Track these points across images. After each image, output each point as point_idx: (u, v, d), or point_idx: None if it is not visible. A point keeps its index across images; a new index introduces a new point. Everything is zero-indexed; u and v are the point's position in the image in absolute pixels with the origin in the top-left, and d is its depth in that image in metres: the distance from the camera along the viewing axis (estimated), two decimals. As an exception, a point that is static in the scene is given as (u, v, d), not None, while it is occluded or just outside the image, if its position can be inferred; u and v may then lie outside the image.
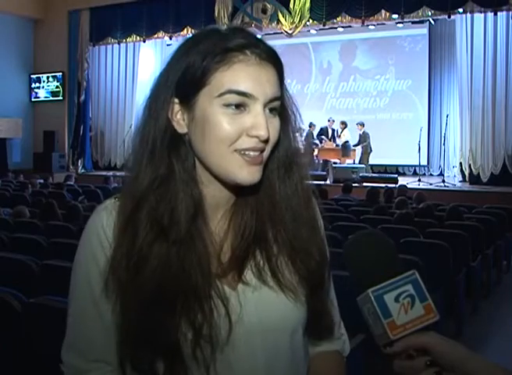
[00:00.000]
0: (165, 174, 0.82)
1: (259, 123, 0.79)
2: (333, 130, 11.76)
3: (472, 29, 10.15)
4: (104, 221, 0.84)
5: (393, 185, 8.42)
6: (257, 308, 0.83)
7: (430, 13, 10.19)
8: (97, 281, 0.83)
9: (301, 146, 0.91)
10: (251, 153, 0.80)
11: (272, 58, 0.82)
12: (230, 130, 0.79)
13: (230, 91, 0.78)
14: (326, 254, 0.92)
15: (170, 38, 12.19)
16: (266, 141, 0.80)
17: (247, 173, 0.80)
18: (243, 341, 0.81)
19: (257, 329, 0.82)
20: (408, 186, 8.78)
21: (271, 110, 0.82)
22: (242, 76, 0.79)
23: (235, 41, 0.80)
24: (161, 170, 0.82)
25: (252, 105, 0.79)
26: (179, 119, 0.82)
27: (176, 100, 0.82)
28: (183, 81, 0.81)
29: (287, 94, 0.88)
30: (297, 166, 0.89)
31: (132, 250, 0.80)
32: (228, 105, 0.79)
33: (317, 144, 11.29)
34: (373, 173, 11.15)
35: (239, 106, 0.79)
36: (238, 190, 0.86)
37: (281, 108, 0.85)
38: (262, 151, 0.81)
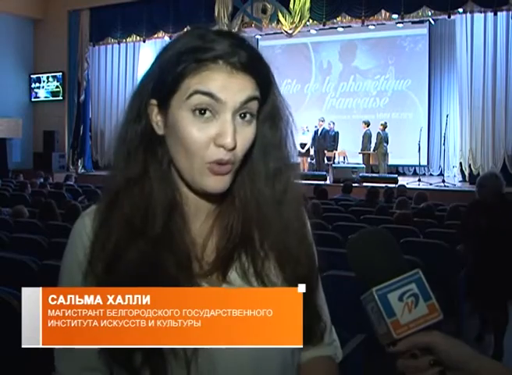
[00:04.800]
0: (141, 173, 0.83)
1: (225, 132, 0.77)
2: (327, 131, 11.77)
3: (472, 29, 10.15)
4: (87, 224, 0.86)
5: (393, 185, 8.43)
6: None
7: (430, 13, 10.21)
8: (79, 284, 0.82)
9: (293, 150, 0.90)
10: (219, 165, 0.79)
11: (250, 67, 0.80)
12: (198, 139, 0.78)
13: (197, 92, 0.77)
14: (315, 259, 0.91)
15: (170, 38, 12.17)
16: (233, 149, 0.78)
17: (212, 182, 0.80)
18: None
19: None
20: (408, 186, 8.79)
21: (244, 115, 0.80)
22: (210, 79, 0.78)
23: (210, 52, 0.78)
24: (137, 170, 0.83)
25: (221, 112, 0.78)
26: (158, 121, 0.83)
27: (155, 101, 0.83)
28: (158, 85, 0.82)
29: (278, 97, 0.87)
30: (287, 171, 0.88)
31: (107, 248, 0.81)
32: (195, 111, 0.78)
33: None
34: (373, 172, 11.15)
35: (205, 112, 0.78)
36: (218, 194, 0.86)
37: (268, 111, 0.85)
38: (231, 163, 0.80)
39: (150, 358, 0.78)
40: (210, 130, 0.78)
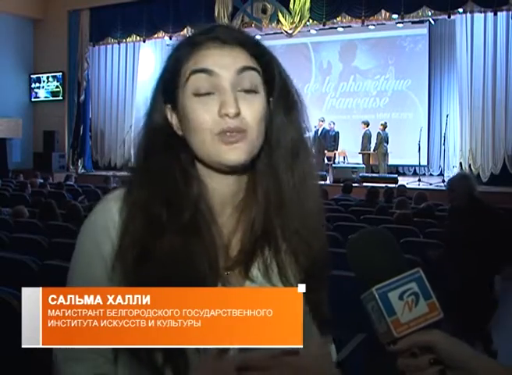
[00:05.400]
0: (165, 172, 0.84)
1: (225, 100, 0.80)
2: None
3: (472, 29, 10.16)
4: (113, 209, 0.85)
5: (393, 185, 8.43)
6: None
7: (430, 13, 10.22)
8: (99, 270, 0.83)
9: (308, 137, 0.91)
10: (228, 133, 0.80)
11: (241, 41, 0.84)
12: (203, 114, 0.81)
13: (193, 72, 0.81)
14: (327, 250, 0.92)
15: (170, 38, 12.18)
16: (238, 115, 0.80)
17: (229, 153, 0.81)
18: None
19: None
20: (408, 186, 8.79)
21: (246, 89, 0.82)
22: (203, 57, 0.82)
23: (202, 35, 0.84)
24: (161, 168, 0.84)
25: (219, 86, 0.81)
26: (176, 123, 0.86)
27: (169, 106, 0.86)
28: (165, 87, 0.86)
29: (285, 78, 0.88)
30: (304, 155, 0.89)
31: (138, 242, 0.81)
32: (198, 95, 0.81)
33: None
34: (373, 172, 11.16)
35: (208, 94, 0.81)
36: (243, 183, 0.88)
37: (278, 92, 0.86)
38: (242, 131, 0.81)
39: (172, 356, 0.78)
40: (213, 104, 0.81)
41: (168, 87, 0.85)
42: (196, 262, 0.81)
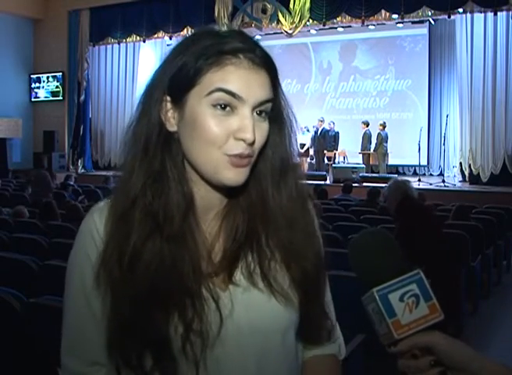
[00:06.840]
0: (159, 171, 0.82)
1: (246, 126, 0.78)
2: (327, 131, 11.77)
3: (472, 29, 10.15)
4: (97, 220, 0.85)
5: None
6: (246, 310, 0.83)
7: (430, 13, 10.21)
8: (90, 281, 0.83)
9: (296, 150, 0.91)
10: (240, 158, 0.80)
11: (266, 64, 0.82)
12: (218, 132, 0.79)
13: (219, 89, 0.78)
14: (322, 257, 0.91)
15: (170, 38, 12.18)
16: (252, 144, 0.80)
17: (232, 175, 0.80)
18: (233, 338, 0.81)
19: (246, 329, 0.82)
20: (408, 186, 8.77)
21: (260, 113, 0.82)
22: (232, 76, 0.79)
23: (229, 44, 0.80)
24: (155, 167, 0.82)
25: (240, 107, 0.79)
26: (169, 117, 0.83)
27: (168, 98, 0.83)
28: (175, 80, 0.81)
29: (283, 99, 0.87)
30: (292, 171, 0.89)
31: (125, 246, 0.80)
32: (215, 106, 0.79)
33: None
34: (373, 172, 11.15)
35: (226, 107, 0.79)
36: (227, 191, 0.86)
37: (275, 112, 0.85)
38: (251, 156, 0.81)
39: (160, 360, 0.79)
40: (230, 123, 0.79)
41: (180, 84, 0.81)
42: (180, 267, 0.80)
